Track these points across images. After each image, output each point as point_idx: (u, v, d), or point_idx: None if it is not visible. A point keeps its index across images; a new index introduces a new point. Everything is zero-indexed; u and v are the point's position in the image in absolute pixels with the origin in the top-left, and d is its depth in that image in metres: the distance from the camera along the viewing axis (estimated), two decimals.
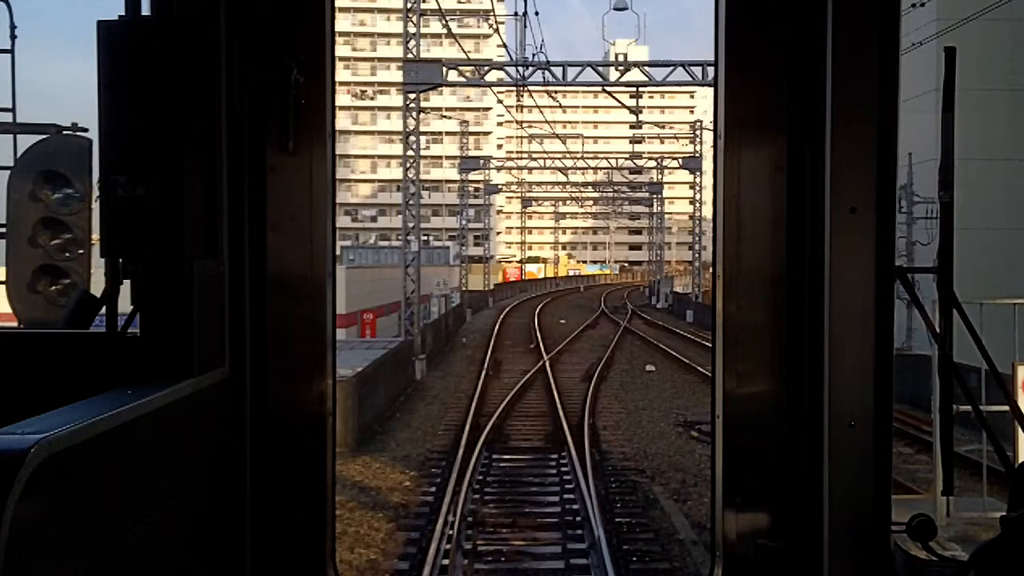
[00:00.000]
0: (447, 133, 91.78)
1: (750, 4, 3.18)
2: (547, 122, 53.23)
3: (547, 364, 28.56)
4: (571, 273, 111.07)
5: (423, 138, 38.33)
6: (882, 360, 2.97)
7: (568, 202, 78.37)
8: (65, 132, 4.73)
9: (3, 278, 4.51)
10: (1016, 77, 28.16)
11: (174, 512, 2.61)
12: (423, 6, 32.26)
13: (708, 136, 35.50)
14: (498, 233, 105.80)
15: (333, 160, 3.27)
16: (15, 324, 4.45)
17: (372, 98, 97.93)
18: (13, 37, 4.98)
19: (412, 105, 31.09)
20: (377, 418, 20.74)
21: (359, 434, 18.55)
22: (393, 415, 21.89)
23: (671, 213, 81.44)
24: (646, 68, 32.02)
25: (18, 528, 1.71)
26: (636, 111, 35.21)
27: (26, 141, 4.58)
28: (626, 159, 61.93)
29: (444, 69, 30.14)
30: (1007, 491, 2.54)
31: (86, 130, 4.62)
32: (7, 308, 4.45)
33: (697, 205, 58.79)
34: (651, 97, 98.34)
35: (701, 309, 48.37)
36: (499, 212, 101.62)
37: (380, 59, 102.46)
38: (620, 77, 31.77)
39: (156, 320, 2.78)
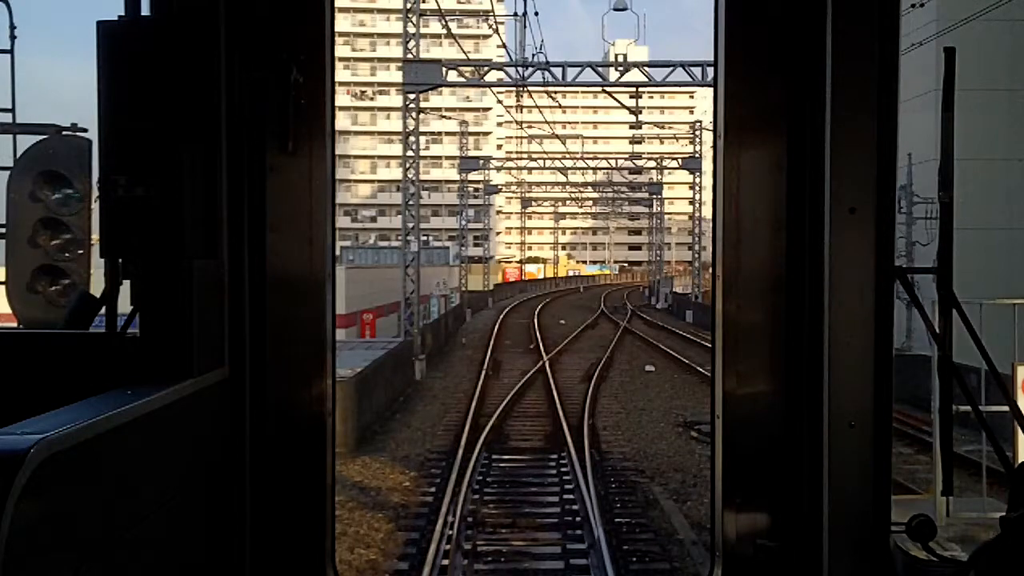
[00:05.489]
0: (447, 133, 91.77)
1: (750, 4, 3.18)
2: (547, 122, 53.16)
3: (547, 364, 28.55)
4: (571, 273, 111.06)
5: (423, 138, 38.31)
6: (882, 360, 2.97)
7: (568, 202, 78.37)
8: (65, 132, 4.73)
9: (3, 278, 4.51)
10: (1016, 77, 28.15)
11: (174, 512, 2.61)
12: (423, 6, 32.25)
13: (708, 136, 35.54)
14: (498, 233, 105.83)
15: (333, 160, 3.27)
16: (15, 324, 4.45)
17: (372, 98, 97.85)
18: (13, 37, 4.99)
19: (412, 105, 31.09)
20: (377, 418, 20.73)
21: (359, 434, 18.54)
22: (393, 415, 21.88)
23: (671, 213, 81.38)
24: (646, 68, 32.00)
25: (18, 528, 1.71)
26: (636, 111, 35.19)
27: (26, 141, 4.58)
28: (626, 159, 61.96)
29: (444, 69, 30.13)
30: (1007, 491, 2.54)
31: (86, 130, 4.62)
32: (7, 308, 4.45)
33: (697, 205, 58.79)
34: (651, 97, 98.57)
35: (701, 309, 48.36)
36: (499, 212, 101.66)
37: (380, 59, 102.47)
38: (620, 77, 31.75)
39: (156, 320, 2.78)
